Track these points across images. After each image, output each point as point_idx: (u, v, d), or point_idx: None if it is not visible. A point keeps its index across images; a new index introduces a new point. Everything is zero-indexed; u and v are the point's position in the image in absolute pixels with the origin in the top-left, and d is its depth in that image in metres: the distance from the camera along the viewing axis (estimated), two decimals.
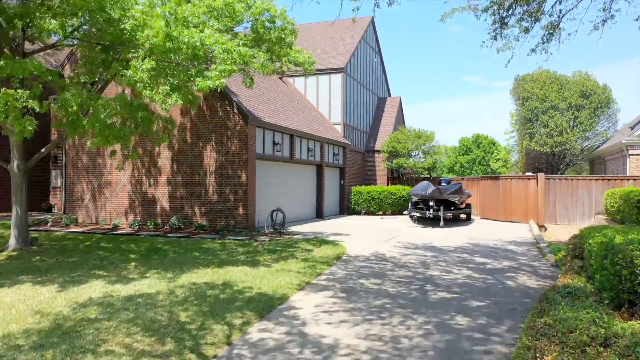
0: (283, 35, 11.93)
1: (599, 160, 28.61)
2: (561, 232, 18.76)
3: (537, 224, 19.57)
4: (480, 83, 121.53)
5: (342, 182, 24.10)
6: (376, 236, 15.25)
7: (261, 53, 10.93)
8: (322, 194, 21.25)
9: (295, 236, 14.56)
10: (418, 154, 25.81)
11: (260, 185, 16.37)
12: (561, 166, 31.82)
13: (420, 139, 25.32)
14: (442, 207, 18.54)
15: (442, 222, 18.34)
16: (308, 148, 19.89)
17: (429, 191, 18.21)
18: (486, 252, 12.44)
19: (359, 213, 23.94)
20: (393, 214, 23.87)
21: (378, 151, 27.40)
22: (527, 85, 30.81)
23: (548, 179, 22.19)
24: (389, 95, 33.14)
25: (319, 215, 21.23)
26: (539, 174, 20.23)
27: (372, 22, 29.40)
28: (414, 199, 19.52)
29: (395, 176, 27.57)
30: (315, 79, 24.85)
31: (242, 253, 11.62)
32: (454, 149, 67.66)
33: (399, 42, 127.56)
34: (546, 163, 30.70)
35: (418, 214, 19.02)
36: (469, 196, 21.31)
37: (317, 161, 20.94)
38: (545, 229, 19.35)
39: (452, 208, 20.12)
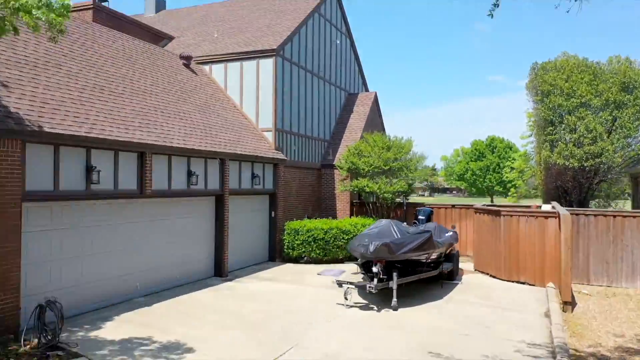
0: None
1: None
2: (600, 313, 11.16)
3: (559, 295, 11.91)
4: (504, 82, 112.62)
5: (272, 214, 16.69)
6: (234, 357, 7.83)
7: None
8: (223, 239, 13.87)
9: None
10: (392, 172, 18.17)
11: (49, 246, 9.11)
12: (594, 183, 23.81)
13: (389, 152, 17.71)
14: (397, 273, 11.03)
15: (394, 300, 10.80)
16: (190, 171, 12.55)
17: (372, 248, 10.70)
18: None
19: (296, 260, 16.47)
20: (347, 259, 16.39)
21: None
22: (548, 76, 22.87)
23: (576, 214, 14.48)
24: (366, 90, 25.58)
25: (219, 271, 13.84)
26: (561, 212, 12.50)
27: None
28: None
29: (364, 200, 20.09)
30: (238, 66, 17.48)
31: None
32: (467, 152, 59.55)
33: (413, 39, 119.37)
34: (573, 180, 22.72)
35: (353, 286, 11.42)
36: (451, 244, 13.68)
37: (213, 189, 13.59)
38: (573, 307, 11.67)
39: (423, 266, 12.52)
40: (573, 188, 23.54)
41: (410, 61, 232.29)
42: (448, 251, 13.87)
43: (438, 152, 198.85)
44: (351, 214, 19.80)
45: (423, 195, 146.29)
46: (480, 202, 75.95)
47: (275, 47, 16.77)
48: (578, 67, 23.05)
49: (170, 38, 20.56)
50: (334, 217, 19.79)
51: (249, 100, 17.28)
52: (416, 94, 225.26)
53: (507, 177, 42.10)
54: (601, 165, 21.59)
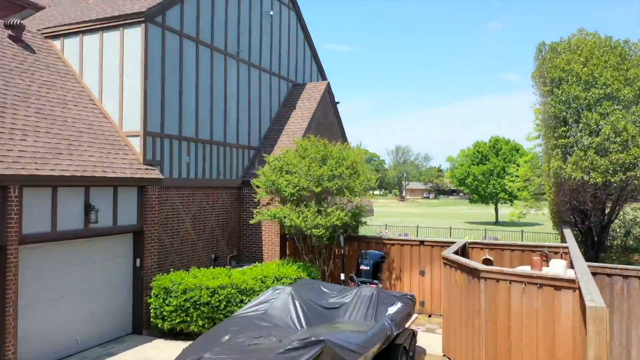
0: None
1: None
2: None
3: None
4: (519, 81, 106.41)
5: (136, 263, 11.04)
6: None
7: None
8: (3, 320, 8.23)
9: None
10: (330, 194, 12.43)
11: None
12: (621, 201, 17.91)
13: (325, 166, 11.96)
14: None
15: None
16: None
17: None
18: None
19: (174, 334, 10.80)
20: None
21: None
22: (560, 60, 16.90)
23: (608, 275, 8.77)
24: (323, 78, 19.86)
25: None
26: (584, 287, 6.72)
27: None
28: None
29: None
30: (97, 40, 11.87)
31: None
32: (469, 154, 53.51)
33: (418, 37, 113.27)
34: (594, 200, 16.84)
35: None
36: (390, 336, 7.92)
37: None
38: None
39: None
40: (593, 209, 17.72)
41: (416, 59, 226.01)
42: (391, 341, 8.15)
43: (449, 152, 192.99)
44: (282, 254, 14.11)
45: (428, 197, 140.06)
46: (482, 209, 68.64)
47: (144, 10, 11.12)
48: (600, 47, 17.15)
49: (38, 8, 15.02)
50: (259, 258, 14.16)
51: (111, 89, 11.64)
52: (424, 93, 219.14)
53: (509, 186, 36.09)
54: (634, 181, 15.73)
